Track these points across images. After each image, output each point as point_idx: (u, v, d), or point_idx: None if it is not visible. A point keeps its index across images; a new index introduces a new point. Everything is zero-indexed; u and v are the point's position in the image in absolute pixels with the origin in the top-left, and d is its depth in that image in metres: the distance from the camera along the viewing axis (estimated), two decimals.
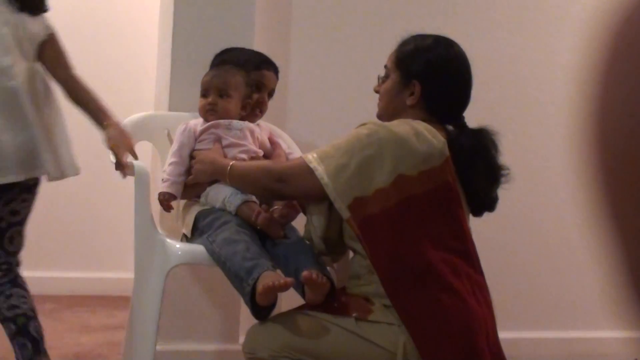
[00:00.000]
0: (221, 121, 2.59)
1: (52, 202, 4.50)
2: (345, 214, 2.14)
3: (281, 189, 2.27)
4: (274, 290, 2.11)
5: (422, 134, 2.17)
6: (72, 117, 4.50)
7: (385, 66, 2.39)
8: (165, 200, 2.51)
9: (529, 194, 3.68)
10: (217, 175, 2.47)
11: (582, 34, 3.75)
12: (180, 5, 3.07)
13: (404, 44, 2.37)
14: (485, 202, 2.32)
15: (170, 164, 2.56)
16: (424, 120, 2.24)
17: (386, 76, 2.38)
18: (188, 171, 2.57)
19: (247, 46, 3.00)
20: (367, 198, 2.13)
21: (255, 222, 2.36)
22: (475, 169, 2.25)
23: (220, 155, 2.52)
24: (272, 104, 2.86)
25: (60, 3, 4.44)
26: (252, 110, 2.72)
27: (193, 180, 2.54)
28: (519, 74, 3.68)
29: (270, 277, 2.12)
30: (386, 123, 2.23)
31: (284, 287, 2.11)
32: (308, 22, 3.39)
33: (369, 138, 2.16)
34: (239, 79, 2.63)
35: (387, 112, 2.35)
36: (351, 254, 2.35)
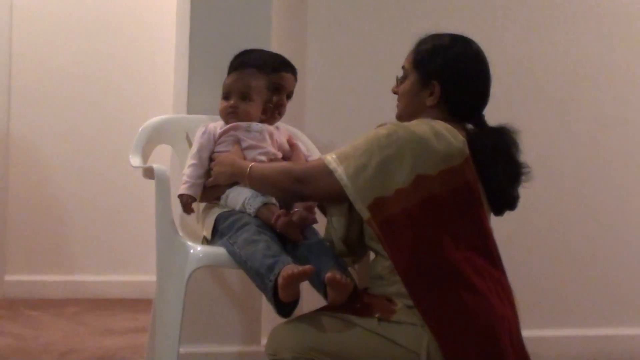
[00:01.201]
0: (240, 123, 2.60)
1: (73, 206, 4.53)
2: (366, 214, 2.13)
3: (301, 190, 2.27)
4: (295, 279, 2.11)
5: (442, 134, 2.16)
6: (93, 122, 4.54)
7: (403, 67, 2.39)
8: (186, 202, 2.52)
9: (549, 191, 3.66)
10: (236, 177, 2.47)
11: (601, 29, 3.73)
12: (197, 8, 3.08)
13: (421, 43, 2.36)
14: (506, 201, 2.30)
15: (190, 166, 2.57)
16: (443, 120, 2.23)
17: (404, 77, 2.37)
18: (207, 173, 2.58)
19: (264, 48, 3.00)
20: (387, 198, 2.13)
21: (274, 226, 2.36)
22: (496, 167, 2.24)
23: (240, 157, 2.52)
24: (290, 106, 2.87)
25: (77, 7, 4.48)
26: (272, 112, 2.72)
27: (213, 182, 2.55)
28: (537, 71, 3.67)
29: (290, 267, 2.13)
30: (405, 123, 2.22)
31: (305, 275, 2.12)
32: (325, 23, 3.39)
33: (389, 138, 2.16)
34: (261, 83, 2.64)
35: (407, 113, 2.34)
36: (372, 255, 2.34)
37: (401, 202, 2.11)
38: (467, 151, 2.17)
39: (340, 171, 2.16)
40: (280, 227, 2.35)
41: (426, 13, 3.47)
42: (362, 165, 2.15)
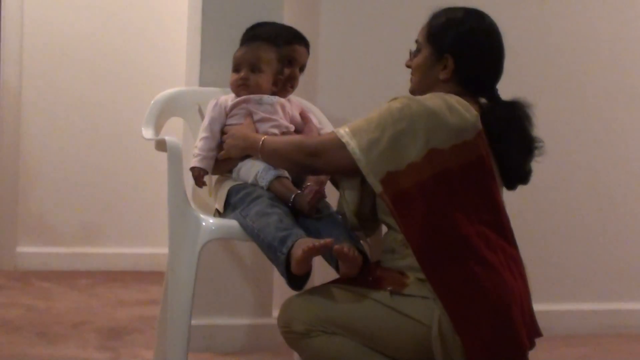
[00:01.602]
0: (252, 96, 2.59)
1: (85, 180, 4.54)
2: (378, 188, 2.13)
3: (313, 163, 2.27)
4: (315, 252, 2.12)
5: (455, 108, 2.15)
6: (105, 94, 4.54)
7: (417, 40, 2.37)
8: (197, 175, 2.52)
9: (561, 166, 3.65)
10: (249, 150, 2.47)
11: (616, 2, 3.70)
12: None
13: (434, 17, 2.35)
14: (519, 175, 2.30)
15: (202, 139, 2.57)
16: (457, 94, 2.22)
17: (417, 50, 2.36)
18: (219, 146, 2.58)
19: (277, 20, 2.99)
20: (400, 172, 2.12)
21: (288, 200, 2.36)
22: (509, 141, 2.23)
23: (252, 130, 2.52)
24: (302, 79, 2.86)
25: None
26: (284, 85, 2.72)
27: (225, 155, 2.55)
28: (551, 44, 3.65)
29: (307, 241, 2.13)
30: (418, 97, 2.21)
31: (325, 248, 2.12)
32: None
33: (401, 112, 2.15)
34: (271, 55, 2.63)
35: (420, 87, 2.33)
36: (385, 228, 2.34)
37: (414, 176, 2.11)
38: (480, 125, 2.16)
39: (353, 145, 2.16)
40: (295, 201, 2.35)
41: None
42: (375, 139, 2.14)
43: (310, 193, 2.34)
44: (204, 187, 2.61)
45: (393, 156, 2.12)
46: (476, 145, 2.15)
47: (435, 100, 2.17)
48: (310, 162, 2.27)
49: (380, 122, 2.16)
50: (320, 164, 2.26)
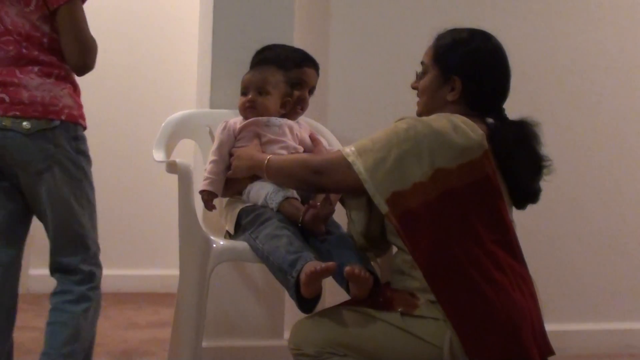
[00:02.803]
0: (260, 118, 2.60)
1: (97, 200, 4.55)
2: (384, 208, 2.13)
3: (319, 181, 2.27)
4: (317, 276, 2.12)
5: (460, 127, 2.15)
6: (117, 115, 4.56)
7: (422, 62, 2.37)
8: (207, 199, 2.53)
9: (572, 184, 3.65)
10: (254, 170, 2.48)
11: (622, 22, 3.70)
12: (220, 3, 3.08)
13: (440, 38, 2.35)
14: (528, 194, 2.29)
15: (211, 162, 2.58)
16: (464, 114, 2.22)
17: (424, 72, 2.36)
18: (228, 169, 2.59)
19: (287, 43, 3.00)
20: (406, 192, 2.12)
21: (303, 220, 2.37)
22: (517, 161, 2.23)
23: (258, 151, 2.53)
24: (313, 101, 2.87)
25: (103, 2, 4.49)
26: (293, 107, 2.73)
27: (232, 175, 2.56)
28: (558, 63, 3.65)
29: (313, 264, 2.14)
30: (424, 117, 2.22)
31: (327, 272, 2.12)
32: (347, 17, 3.39)
33: (407, 132, 2.15)
34: (279, 77, 2.65)
35: (428, 109, 2.33)
36: (395, 249, 2.34)
37: (420, 196, 2.11)
38: (486, 144, 2.16)
39: (358, 164, 2.16)
40: (305, 221, 2.35)
41: (447, 7, 3.46)
42: (381, 158, 2.14)
43: (309, 216, 2.35)
44: (215, 209, 2.62)
45: (399, 176, 2.13)
46: (482, 164, 2.15)
47: (440, 120, 2.17)
48: (315, 180, 2.27)
49: (386, 142, 2.16)
50: (326, 182, 2.26)
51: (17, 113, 2.18)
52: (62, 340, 2.28)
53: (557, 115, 3.62)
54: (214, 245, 2.43)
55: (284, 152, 2.56)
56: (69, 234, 2.32)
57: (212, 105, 3.05)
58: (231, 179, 2.57)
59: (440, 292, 2.08)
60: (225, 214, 2.62)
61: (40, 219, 2.34)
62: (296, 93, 2.75)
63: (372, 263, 2.36)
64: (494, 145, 2.18)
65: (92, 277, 2.35)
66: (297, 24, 3.17)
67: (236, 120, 2.65)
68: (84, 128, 2.35)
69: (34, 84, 2.21)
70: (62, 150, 2.24)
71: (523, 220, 2.36)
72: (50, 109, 2.22)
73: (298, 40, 3.12)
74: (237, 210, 2.50)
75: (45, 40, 2.26)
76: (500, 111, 2.32)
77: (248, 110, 2.63)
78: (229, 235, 2.56)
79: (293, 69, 2.76)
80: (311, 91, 2.85)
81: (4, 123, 2.17)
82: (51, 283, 2.37)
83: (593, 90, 3.70)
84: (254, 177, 2.51)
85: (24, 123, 2.18)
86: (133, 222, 4.61)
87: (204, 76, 3.22)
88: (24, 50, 2.23)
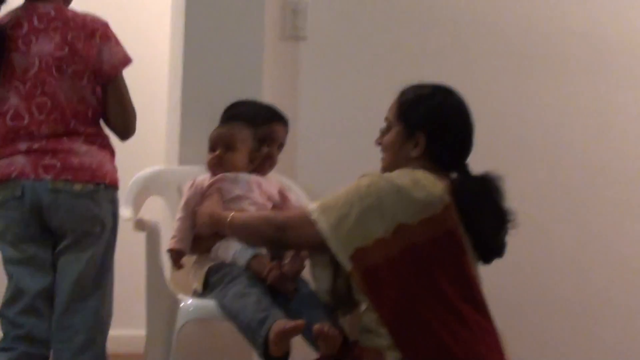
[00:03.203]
0: (228, 174, 2.60)
1: None
2: (348, 265, 2.13)
3: (282, 238, 2.28)
4: (286, 334, 2.11)
5: (421, 183, 2.16)
6: None
7: (386, 118, 2.39)
8: (175, 257, 2.51)
9: (538, 239, 3.65)
10: (217, 227, 2.47)
11: (586, 78, 3.76)
12: (190, 59, 3.10)
13: (403, 94, 2.37)
14: (492, 249, 2.29)
15: (178, 219, 2.58)
16: (427, 169, 2.23)
17: (388, 128, 2.37)
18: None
19: (256, 99, 3.00)
20: (368, 248, 2.13)
21: (266, 279, 2.35)
22: (480, 215, 2.23)
23: (220, 207, 2.52)
24: (282, 156, 2.86)
25: None
26: (262, 163, 2.73)
27: (196, 233, 2.55)
28: (523, 117, 3.68)
29: (281, 323, 2.12)
30: (386, 174, 2.24)
31: (296, 330, 2.11)
32: (316, 74, 3.41)
33: (369, 189, 2.17)
34: (246, 133, 2.66)
35: (392, 165, 2.33)
36: (362, 306, 2.32)
37: (382, 252, 2.11)
38: (447, 199, 2.17)
39: (322, 221, 2.17)
40: (271, 280, 2.34)
41: (415, 63, 3.49)
42: (343, 215, 2.15)
43: (273, 277, 2.34)
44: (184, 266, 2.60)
45: (361, 232, 2.13)
46: (444, 219, 2.15)
47: (402, 176, 2.18)
48: (279, 237, 2.28)
49: (348, 199, 2.17)
50: (290, 239, 2.26)
51: (69, 177, 2.35)
52: None
53: (520, 169, 3.64)
54: (182, 304, 2.40)
55: (252, 208, 2.55)
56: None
57: (181, 162, 3.04)
58: (199, 237, 2.55)
59: (406, 350, 2.07)
60: (193, 272, 2.59)
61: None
62: (265, 149, 2.75)
63: (340, 321, 2.34)
64: (456, 199, 2.19)
65: None
66: (266, 80, 3.18)
67: (204, 177, 2.65)
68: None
69: (82, 151, 2.39)
70: (104, 212, 2.41)
71: (489, 273, 2.35)
72: (97, 173, 2.40)
73: (267, 96, 3.13)
74: (205, 268, 2.48)
75: (90, 112, 2.43)
76: (464, 166, 2.33)
77: (215, 166, 2.63)
78: (197, 294, 2.53)
79: (262, 125, 2.76)
80: (280, 147, 2.85)
81: (57, 186, 2.33)
82: None
83: (557, 145, 3.73)
84: (222, 235, 2.49)
85: (75, 186, 2.35)
86: None
87: (173, 132, 3.22)
88: (71, 126, 2.39)
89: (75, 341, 2.37)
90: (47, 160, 2.35)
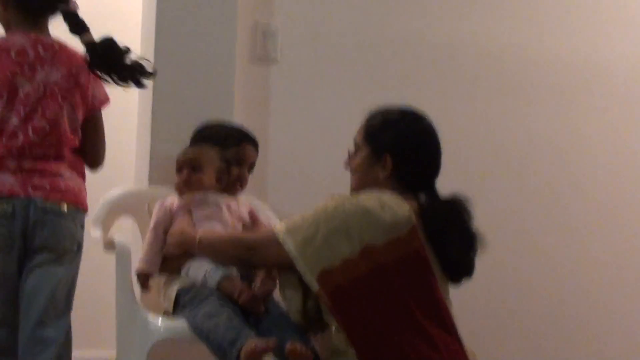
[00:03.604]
0: (197, 195, 2.61)
1: None
2: (314, 286, 2.14)
3: (250, 258, 2.30)
4: (258, 354, 2.11)
5: (387, 204, 2.19)
6: None
7: (354, 140, 2.41)
8: (143, 280, 2.51)
9: (504, 259, 3.69)
10: (186, 246, 2.48)
11: (560, 100, 3.82)
12: (160, 81, 3.09)
13: (371, 118, 2.40)
14: (461, 269, 2.31)
15: (147, 242, 2.57)
16: (395, 191, 2.26)
17: (356, 150, 2.40)
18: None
19: (227, 119, 3.01)
20: (335, 269, 2.14)
21: (237, 300, 2.35)
22: (447, 236, 2.26)
23: (189, 227, 2.52)
24: (252, 177, 2.87)
25: None
26: (233, 184, 2.73)
27: (165, 253, 2.55)
28: (491, 140, 3.73)
29: (252, 342, 2.12)
30: (353, 196, 2.26)
31: (268, 349, 2.11)
32: (286, 95, 3.44)
33: (335, 210, 2.19)
34: (212, 153, 2.67)
35: (360, 186, 2.37)
36: (332, 328, 2.33)
37: (349, 273, 2.13)
38: (414, 220, 2.19)
39: (289, 242, 2.18)
40: (243, 302, 2.34)
41: (386, 86, 3.53)
42: (310, 236, 2.17)
43: (245, 298, 2.34)
44: (154, 287, 2.59)
45: (328, 253, 2.14)
46: (411, 240, 2.17)
47: (368, 198, 2.21)
48: (247, 257, 2.30)
49: (315, 220, 2.19)
50: (258, 259, 2.29)
51: (57, 198, 2.47)
52: None
53: (490, 188, 3.68)
54: (152, 323, 2.39)
55: (221, 228, 2.56)
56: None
57: (151, 182, 3.04)
58: (169, 256, 2.55)
59: None
60: (163, 292, 2.58)
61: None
62: (235, 170, 2.76)
63: (312, 341, 2.34)
64: (424, 221, 2.21)
65: None
66: (237, 101, 3.20)
67: (173, 199, 2.65)
68: None
69: (67, 175, 2.52)
70: (79, 234, 2.54)
71: (458, 293, 2.37)
72: (78, 197, 2.54)
73: (238, 118, 3.14)
74: (176, 288, 2.48)
75: (75, 143, 2.57)
76: (432, 187, 2.36)
77: (183, 187, 2.63)
78: (167, 314, 2.53)
79: (232, 146, 2.77)
80: (251, 168, 2.86)
81: (46, 205, 2.44)
82: None
83: (526, 166, 3.78)
84: (192, 254, 2.49)
85: (62, 206, 2.47)
86: None
87: (143, 152, 3.22)
88: (61, 152, 2.52)
89: (47, 353, 2.42)
90: (36, 181, 2.46)
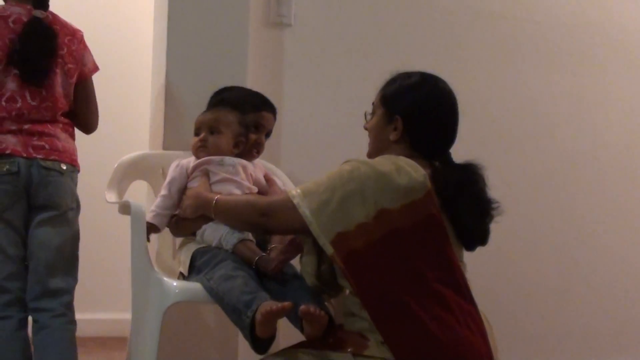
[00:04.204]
0: (213, 157, 2.60)
1: None
2: (329, 250, 2.14)
3: (265, 223, 2.29)
4: (273, 316, 2.11)
5: (403, 168, 2.18)
6: None
7: (373, 103, 2.42)
8: (147, 230, 2.52)
9: (523, 226, 3.69)
10: (202, 210, 2.49)
11: (571, 68, 3.79)
12: (174, 45, 3.10)
13: (390, 80, 2.40)
14: (475, 236, 2.31)
15: (159, 196, 2.58)
16: (408, 156, 2.25)
17: (373, 113, 2.41)
18: (177, 207, 2.58)
19: (240, 84, 3.01)
20: (350, 233, 2.14)
21: (252, 264, 2.36)
22: (461, 203, 2.25)
23: (207, 190, 2.53)
24: (267, 143, 2.88)
25: None
26: (250, 150, 2.74)
27: (181, 215, 2.56)
28: (508, 105, 3.72)
29: (269, 304, 2.13)
30: (368, 160, 2.26)
31: (283, 312, 2.12)
32: (300, 61, 3.43)
33: (351, 174, 2.18)
34: (232, 118, 2.66)
35: (374, 149, 2.37)
36: (346, 291, 2.34)
37: (364, 237, 2.12)
38: (428, 184, 2.18)
39: (303, 206, 2.18)
40: (273, 271, 2.35)
41: (401, 51, 3.51)
42: (325, 200, 2.16)
43: (274, 261, 2.34)
44: (168, 250, 2.60)
45: (343, 217, 2.14)
46: (426, 204, 2.17)
47: (384, 162, 2.20)
48: (262, 221, 2.29)
49: (330, 184, 2.18)
50: (272, 224, 2.28)
51: (56, 157, 2.68)
52: None
53: (507, 157, 3.68)
54: (167, 286, 2.41)
55: (237, 191, 2.56)
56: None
57: (166, 147, 3.05)
58: (184, 219, 2.56)
59: (386, 332, 2.08)
60: (178, 255, 2.60)
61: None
62: (253, 136, 2.75)
63: (326, 304, 2.36)
64: (438, 187, 2.21)
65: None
66: (251, 66, 3.19)
67: (190, 159, 2.65)
68: None
69: (62, 137, 2.73)
70: (75, 192, 2.76)
71: (474, 260, 2.38)
72: (73, 157, 2.75)
73: (251, 83, 3.14)
74: (191, 251, 2.49)
75: (67, 107, 2.77)
76: (446, 155, 2.36)
77: (200, 149, 2.63)
78: (182, 277, 2.55)
79: (251, 112, 2.76)
80: (268, 135, 2.86)
81: (47, 164, 2.65)
82: None
83: (540, 135, 3.77)
84: (208, 218, 2.50)
85: (62, 165, 2.69)
86: (84, 265, 4.51)
87: (157, 117, 3.22)
88: (56, 116, 2.73)
89: (56, 302, 2.67)
90: (36, 141, 2.65)
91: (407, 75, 2.38)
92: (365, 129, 2.43)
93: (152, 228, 2.54)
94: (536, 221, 3.76)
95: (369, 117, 2.43)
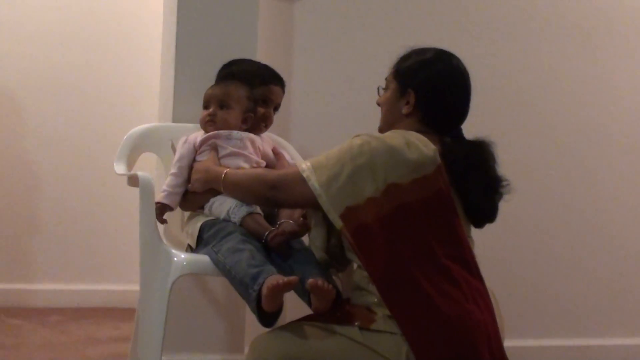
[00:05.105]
0: (221, 132, 2.60)
1: (57, 215, 4.51)
2: (338, 223, 2.14)
3: (274, 196, 2.29)
4: (280, 289, 2.12)
5: (414, 143, 2.18)
6: (77, 129, 4.52)
7: (386, 78, 2.42)
8: (160, 212, 2.52)
9: (533, 202, 3.69)
10: (211, 183, 2.49)
11: (583, 42, 3.77)
12: (183, 18, 3.08)
13: (404, 58, 2.40)
14: (483, 213, 2.31)
15: (169, 175, 2.58)
16: (418, 131, 2.25)
17: (386, 87, 2.41)
18: (188, 182, 2.58)
19: (250, 57, 3.00)
20: (359, 207, 2.14)
21: (260, 237, 2.37)
22: (471, 179, 2.25)
23: (215, 164, 2.53)
24: (276, 116, 2.87)
25: (60, 16, 4.47)
26: (258, 124, 2.73)
27: (190, 189, 2.56)
28: (521, 83, 3.70)
29: (275, 278, 2.13)
30: (379, 134, 2.26)
31: (289, 286, 2.12)
32: (311, 34, 3.41)
33: (361, 148, 2.18)
34: (241, 92, 2.65)
35: (386, 122, 2.38)
36: (355, 265, 2.35)
37: (373, 211, 2.12)
38: (438, 160, 2.19)
39: (313, 180, 2.18)
40: (274, 244, 2.35)
41: (412, 27, 3.49)
42: (335, 174, 2.16)
43: (281, 235, 2.35)
44: (176, 223, 2.61)
45: (352, 191, 2.14)
46: (436, 179, 2.17)
47: (394, 137, 2.20)
48: (271, 195, 2.29)
49: (340, 158, 2.18)
50: (282, 197, 2.27)
51: None
52: None
53: (517, 133, 3.66)
54: (175, 258, 2.41)
55: (246, 165, 2.56)
56: None
57: (175, 119, 3.04)
58: (193, 193, 2.57)
59: (394, 307, 2.09)
60: (186, 228, 2.61)
61: None
62: (261, 110, 2.75)
63: (334, 278, 2.36)
64: (447, 163, 2.21)
65: None
66: (261, 39, 3.18)
67: (198, 134, 2.65)
68: None
69: None
70: None
71: (482, 236, 2.38)
72: None
73: (261, 56, 3.12)
74: (199, 224, 2.49)
75: None
76: (457, 131, 2.35)
77: (208, 124, 2.63)
78: (190, 249, 2.55)
79: (259, 85, 2.75)
80: (276, 108, 2.85)
81: None
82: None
83: (553, 111, 3.75)
84: (216, 191, 2.50)
85: None
86: (93, 237, 4.56)
87: (166, 90, 3.22)
88: None
89: None
90: None
91: (422, 50, 2.38)
92: (378, 104, 2.43)
93: (165, 207, 2.55)
94: (549, 197, 3.75)
95: (381, 92, 2.43)
